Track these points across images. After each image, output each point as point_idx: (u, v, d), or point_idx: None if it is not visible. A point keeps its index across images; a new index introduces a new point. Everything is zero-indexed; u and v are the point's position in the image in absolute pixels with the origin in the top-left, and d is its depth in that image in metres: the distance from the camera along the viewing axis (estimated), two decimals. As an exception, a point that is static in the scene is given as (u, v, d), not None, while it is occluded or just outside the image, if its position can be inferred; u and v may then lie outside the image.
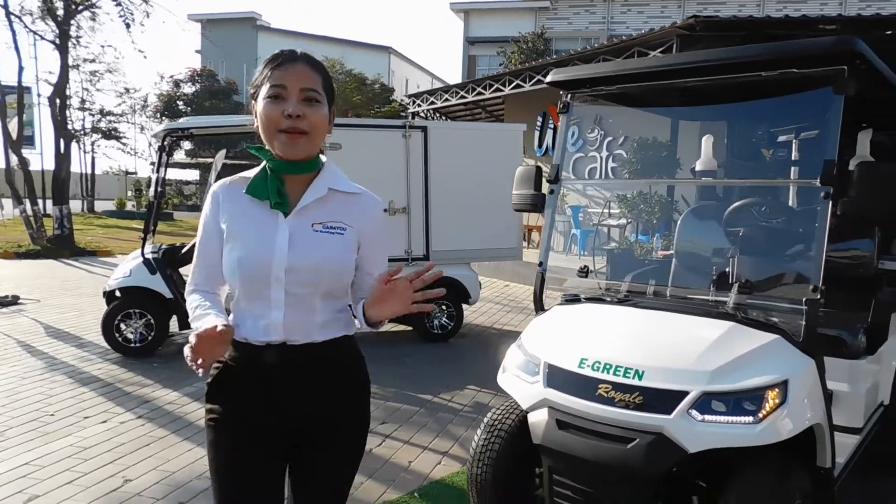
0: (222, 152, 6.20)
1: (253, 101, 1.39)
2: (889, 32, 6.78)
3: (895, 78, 2.47)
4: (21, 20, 13.14)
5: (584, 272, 2.79)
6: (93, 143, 24.87)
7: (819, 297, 2.06)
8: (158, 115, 26.09)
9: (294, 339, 1.36)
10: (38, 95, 15.93)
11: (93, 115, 23.71)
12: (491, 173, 5.73)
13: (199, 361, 1.23)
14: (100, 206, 24.66)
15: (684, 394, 1.97)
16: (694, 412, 1.95)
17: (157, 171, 5.51)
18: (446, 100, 13.98)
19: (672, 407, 1.96)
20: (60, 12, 12.92)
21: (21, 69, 13.50)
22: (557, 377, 2.22)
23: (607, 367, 2.12)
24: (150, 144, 25.16)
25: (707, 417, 1.94)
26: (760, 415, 1.92)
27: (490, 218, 5.81)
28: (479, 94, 12.66)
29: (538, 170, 2.77)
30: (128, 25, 13.79)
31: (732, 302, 2.32)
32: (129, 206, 24.01)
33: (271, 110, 1.32)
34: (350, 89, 23.57)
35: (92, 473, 3.02)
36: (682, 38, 7.89)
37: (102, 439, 3.44)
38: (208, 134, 7.41)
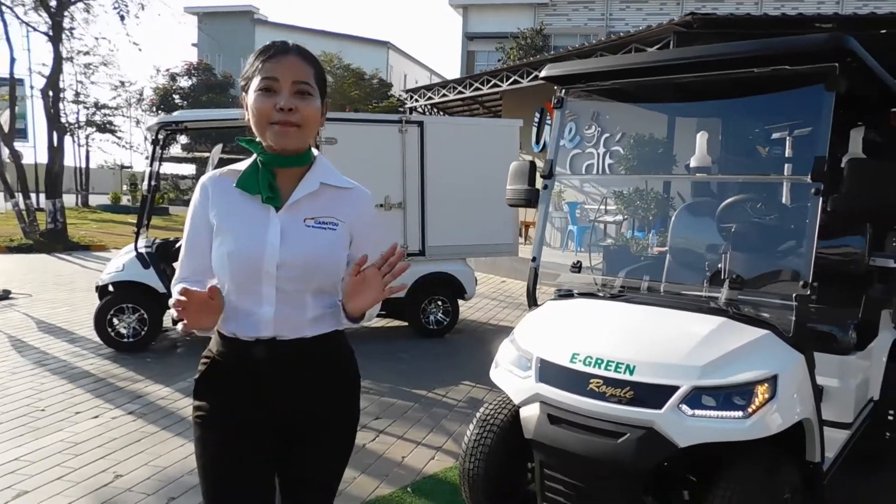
0: (218, 147, 6.17)
1: (244, 94, 1.37)
2: (883, 31, 6.79)
3: (887, 75, 2.48)
4: (13, 11, 13.06)
5: (577, 267, 2.79)
6: (87, 137, 24.75)
7: (809, 292, 2.07)
8: (154, 109, 25.94)
9: (284, 335, 1.35)
10: (31, 88, 15.87)
11: (87, 109, 23.59)
12: (487, 169, 5.72)
13: (185, 321, 1.22)
14: (94, 200, 24.54)
15: (675, 388, 1.98)
16: (684, 407, 1.96)
17: (151, 165, 5.48)
18: (444, 95, 13.94)
19: (663, 402, 1.97)
20: (53, 3, 12.82)
21: (13, 61, 13.42)
22: (549, 372, 2.23)
23: (599, 362, 2.12)
24: (145, 138, 25.07)
25: (697, 412, 1.95)
26: (750, 409, 1.93)
27: (486, 213, 5.81)
28: (477, 89, 12.64)
29: (532, 165, 2.77)
30: (122, 17, 13.74)
31: (724, 297, 2.33)
32: (125, 200, 23.90)
33: (263, 103, 1.30)
34: (348, 84, 23.49)
35: (82, 469, 3.01)
36: (679, 35, 7.89)
37: (93, 434, 3.43)
38: (203, 128, 7.34)
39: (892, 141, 3.06)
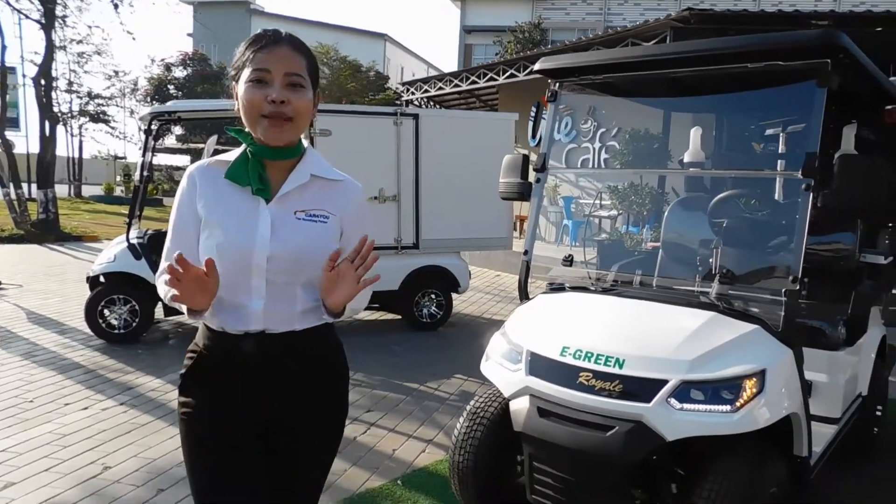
0: (213, 137, 6.12)
1: (233, 83, 1.35)
2: (879, 29, 6.81)
3: (879, 73, 2.48)
4: (5, -2, 12.89)
5: (569, 261, 2.79)
6: (80, 127, 24.52)
7: (798, 287, 2.08)
8: (149, 99, 25.72)
9: (274, 329, 1.34)
10: (24, 76, 15.68)
11: (80, 98, 23.34)
12: (482, 162, 5.70)
13: (177, 292, 1.20)
14: (88, 190, 24.35)
15: (664, 382, 1.98)
16: (673, 400, 1.96)
17: (144, 156, 5.44)
18: (440, 88, 13.90)
19: (651, 395, 1.98)
20: (45, -10, 12.68)
21: (4, 48, 13.27)
22: (539, 365, 2.23)
23: (588, 355, 2.13)
24: (139, 129, 24.84)
25: (686, 406, 1.96)
26: (738, 403, 1.94)
27: (481, 207, 5.80)
28: (474, 83, 12.60)
29: (525, 158, 2.76)
30: (116, 6, 13.57)
31: (714, 292, 2.34)
32: (118, 191, 23.73)
33: (254, 95, 1.28)
34: (344, 76, 23.36)
35: (71, 460, 3.00)
36: (676, 30, 7.89)
37: (83, 426, 3.41)
38: (196, 118, 7.29)
39: (886, 138, 3.07)
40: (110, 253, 5.16)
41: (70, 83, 22.16)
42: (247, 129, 1.34)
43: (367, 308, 5.69)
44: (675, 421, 1.94)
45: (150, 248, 5.12)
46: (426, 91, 14.48)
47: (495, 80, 11.92)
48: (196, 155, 25.15)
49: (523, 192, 2.73)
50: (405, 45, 36.28)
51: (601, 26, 20.64)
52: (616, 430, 1.98)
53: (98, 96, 23.97)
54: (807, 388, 2.21)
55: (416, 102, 15.13)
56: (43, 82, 13.14)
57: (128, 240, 5.13)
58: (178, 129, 25.19)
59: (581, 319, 2.38)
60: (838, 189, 2.00)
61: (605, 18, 22.11)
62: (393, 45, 33.92)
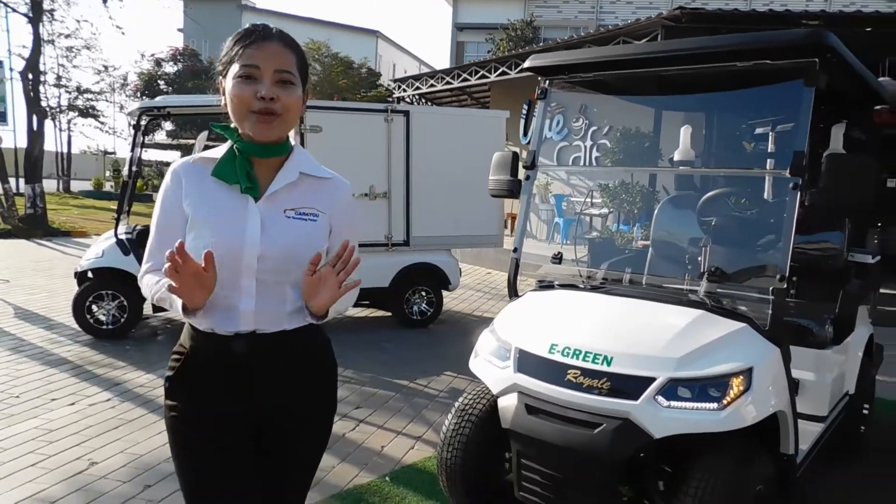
0: (204, 133, 6.07)
1: (221, 78, 1.32)
2: (868, 29, 6.86)
3: (868, 72, 2.49)
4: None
5: (558, 259, 2.79)
6: (69, 122, 24.23)
7: (786, 286, 2.09)
8: (139, 95, 25.45)
9: (264, 329, 1.32)
10: (11, 70, 15.45)
11: (69, 93, 23.06)
12: (473, 160, 5.69)
13: (174, 284, 1.18)
14: (77, 186, 24.08)
15: (651, 380, 1.99)
16: (660, 398, 1.97)
17: (133, 151, 5.39)
18: (432, 85, 13.86)
19: (639, 393, 1.98)
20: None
21: (-8, 42, 13.08)
22: (528, 362, 2.23)
23: (577, 352, 2.13)
24: (129, 124, 24.58)
25: (673, 403, 1.96)
26: (725, 401, 1.95)
27: (472, 205, 5.79)
28: (465, 80, 12.58)
29: (515, 155, 2.76)
30: (104, 0, 13.40)
31: (703, 290, 2.35)
32: (107, 186, 23.50)
33: (243, 91, 1.26)
34: (336, 73, 23.24)
35: (57, 455, 2.97)
36: (667, 29, 7.92)
37: (69, 422, 3.38)
38: (185, 114, 7.22)
39: (875, 138, 3.09)
40: (99, 248, 5.11)
41: (59, 77, 21.90)
42: (233, 125, 1.32)
43: (357, 305, 5.68)
44: (662, 418, 1.95)
45: (138, 244, 5.06)
46: (418, 88, 14.44)
47: (487, 77, 11.90)
48: (186, 150, 24.97)
49: (513, 189, 2.73)
50: (397, 41, 36.14)
51: (593, 24, 20.69)
52: (604, 428, 1.98)
53: (87, 91, 23.70)
54: (794, 386, 2.23)
55: (407, 99, 15.08)
56: (31, 76, 12.97)
57: (116, 235, 5.08)
58: (168, 125, 24.97)
59: (570, 317, 2.38)
60: (826, 188, 2.01)
61: (597, 16, 22.15)
62: (385, 42, 33.78)
